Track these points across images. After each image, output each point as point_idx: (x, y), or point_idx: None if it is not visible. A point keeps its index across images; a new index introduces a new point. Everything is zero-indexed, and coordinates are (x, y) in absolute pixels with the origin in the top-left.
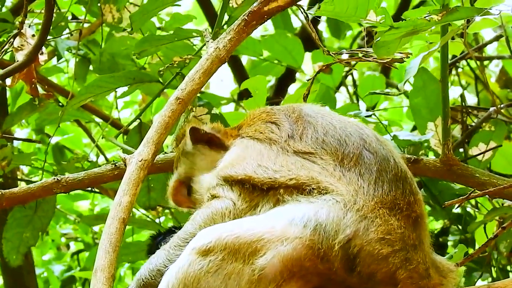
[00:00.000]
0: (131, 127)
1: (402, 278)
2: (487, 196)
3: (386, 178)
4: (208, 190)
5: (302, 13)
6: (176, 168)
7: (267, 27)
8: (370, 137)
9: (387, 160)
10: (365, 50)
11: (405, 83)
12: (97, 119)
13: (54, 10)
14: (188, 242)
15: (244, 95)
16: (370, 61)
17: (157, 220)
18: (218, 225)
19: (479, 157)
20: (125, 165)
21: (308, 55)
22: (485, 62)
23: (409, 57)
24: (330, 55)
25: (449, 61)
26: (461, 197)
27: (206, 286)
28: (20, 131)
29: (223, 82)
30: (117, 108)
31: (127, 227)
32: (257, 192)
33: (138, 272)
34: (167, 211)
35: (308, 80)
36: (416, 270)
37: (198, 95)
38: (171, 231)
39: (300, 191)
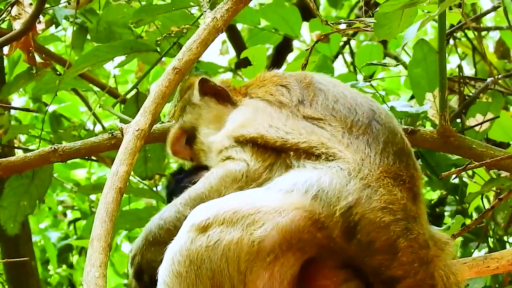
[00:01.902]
0: (128, 96)
1: (402, 246)
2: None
3: (392, 150)
4: (221, 151)
5: None
6: (179, 117)
7: None
8: (380, 109)
9: (394, 133)
10: (363, 20)
11: (402, 48)
12: (95, 88)
13: None
14: (197, 202)
15: (241, 64)
16: (368, 30)
17: (154, 189)
18: (216, 200)
19: (476, 128)
20: (122, 134)
21: (305, 24)
22: (483, 32)
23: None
24: (328, 24)
25: (446, 31)
26: (458, 168)
27: (208, 260)
28: (18, 99)
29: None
30: (114, 77)
31: (124, 195)
32: (268, 153)
33: (149, 225)
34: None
35: (306, 50)
36: (416, 240)
37: (195, 64)
38: (196, 170)
39: (308, 156)
